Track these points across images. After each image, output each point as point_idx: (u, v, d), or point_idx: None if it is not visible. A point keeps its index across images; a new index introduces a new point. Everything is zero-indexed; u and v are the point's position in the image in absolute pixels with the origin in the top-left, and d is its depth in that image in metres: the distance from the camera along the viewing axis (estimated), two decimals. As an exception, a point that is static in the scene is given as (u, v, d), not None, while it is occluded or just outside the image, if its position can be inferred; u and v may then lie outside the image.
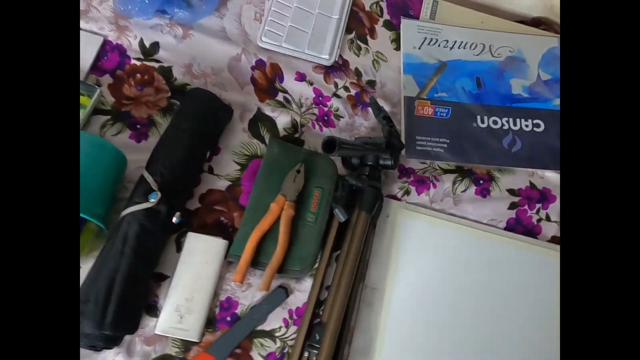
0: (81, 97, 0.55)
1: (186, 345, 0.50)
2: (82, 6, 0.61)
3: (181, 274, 0.51)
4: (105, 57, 0.60)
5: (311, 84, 0.64)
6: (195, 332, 0.49)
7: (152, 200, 0.48)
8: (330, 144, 0.45)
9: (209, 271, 0.51)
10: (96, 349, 0.47)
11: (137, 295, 0.48)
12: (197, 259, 0.51)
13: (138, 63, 0.60)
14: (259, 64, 0.64)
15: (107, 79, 0.59)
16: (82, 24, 0.60)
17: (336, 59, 0.66)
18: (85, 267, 0.48)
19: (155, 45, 0.62)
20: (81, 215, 0.44)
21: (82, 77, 0.57)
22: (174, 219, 0.50)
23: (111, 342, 0.47)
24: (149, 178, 0.49)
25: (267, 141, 0.60)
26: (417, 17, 0.72)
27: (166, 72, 0.61)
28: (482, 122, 0.66)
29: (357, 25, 0.70)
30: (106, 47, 0.60)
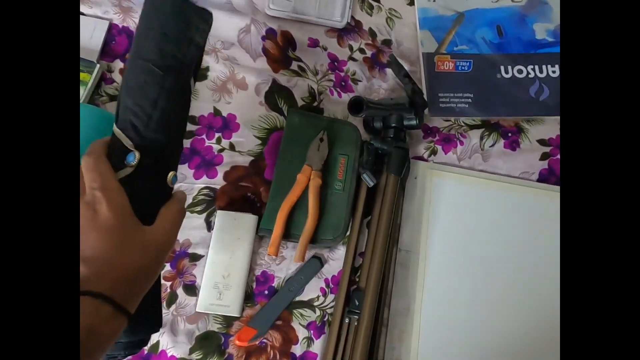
0: (81, 73, 0.54)
1: (228, 320, 0.50)
2: (84, -9, 0.59)
3: (215, 252, 0.51)
4: (114, 42, 0.58)
5: (325, 49, 0.62)
6: (236, 307, 0.49)
7: (131, 162, 0.35)
8: (357, 105, 0.43)
9: (242, 247, 0.51)
10: (116, 358, 0.37)
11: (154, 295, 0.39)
12: (229, 236, 0.51)
13: (147, 44, 0.59)
14: (270, 34, 0.62)
15: (118, 64, 0.58)
16: (86, 9, 0.59)
17: (348, 21, 0.63)
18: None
19: (162, 24, 0.60)
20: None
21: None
22: (169, 179, 0.38)
23: (135, 347, 0.37)
24: (121, 135, 0.36)
25: (285, 113, 0.59)
26: (429, -32, 0.68)
27: (176, 51, 0.59)
28: (506, 72, 0.63)
29: (367, -17, 0.66)
30: (113, 31, 0.59)
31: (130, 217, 0.32)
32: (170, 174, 0.38)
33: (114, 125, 0.37)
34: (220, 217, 0.52)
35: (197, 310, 0.49)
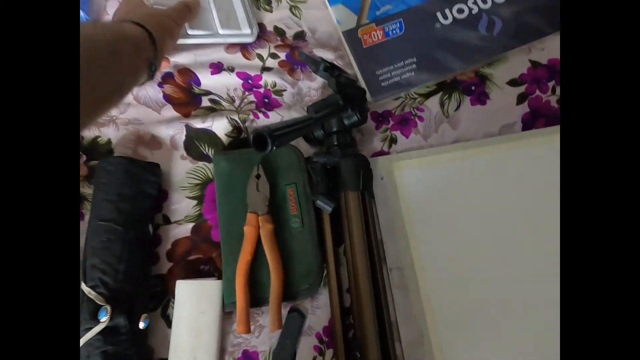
0: None
1: (224, 420, 0.43)
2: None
3: (177, 334, 0.43)
4: None
5: (232, 70, 0.53)
6: None
7: (102, 319, 0.40)
8: (260, 141, 0.33)
9: (208, 321, 0.43)
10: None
11: None
12: (192, 311, 0.43)
13: (36, 140, 0.51)
14: (166, 77, 0.53)
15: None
16: None
17: (258, 31, 0.54)
18: None
19: (46, 111, 0.52)
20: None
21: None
22: (141, 325, 0.41)
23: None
24: (91, 292, 0.40)
25: (212, 160, 0.50)
26: None
27: (71, 134, 0.51)
28: (445, 17, 0.53)
29: (255, -23, 0.56)
30: None
31: None
32: (143, 316, 0.42)
33: (83, 284, 0.41)
34: (179, 288, 0.44)
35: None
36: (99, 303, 0.40)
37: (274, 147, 0.33)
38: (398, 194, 0.48)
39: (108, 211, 0.44)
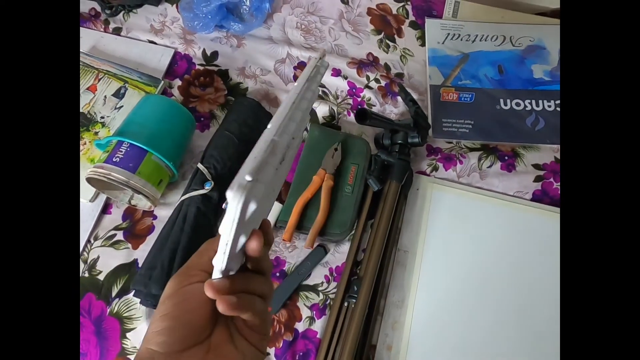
0: (149, 87, 0.68)
1: (243, 295, 0.58)
2: (158, 26, 0.75)
3: None
4: (176, 65, 0.73)
5: (345, 78, 0.73)
6: None
7: (207, 187, 0.57)
8: (362, 114, 0.53)
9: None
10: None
11: None
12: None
13: (201, 68, 0.73)
14: (300, 65, 0.74)
15: (177, 82, 0.72)
16: (158, 40, 0.74)
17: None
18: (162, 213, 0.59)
19: (215, 54, 0.74)
20: (164, 159, 0.56)
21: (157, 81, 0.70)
22: (224, 205, 0.59)
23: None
24: (205, 170, 0.59)
25: (308, 128, 0.69)
26: (440, 17, 0.80)
27: (223, 74, 0.73)
28: (505, 104, 0.71)
29: (385, 27, 0.79)
30: (176, 57, 0.73)
31: None
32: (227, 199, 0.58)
33: (199, 164, 0.60)
34: None
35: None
36: (208, 178, 0.58)
37: (367, 122, 0.51)
38: (425, 204, 0.65)
39: (233, 127, 0.63)
